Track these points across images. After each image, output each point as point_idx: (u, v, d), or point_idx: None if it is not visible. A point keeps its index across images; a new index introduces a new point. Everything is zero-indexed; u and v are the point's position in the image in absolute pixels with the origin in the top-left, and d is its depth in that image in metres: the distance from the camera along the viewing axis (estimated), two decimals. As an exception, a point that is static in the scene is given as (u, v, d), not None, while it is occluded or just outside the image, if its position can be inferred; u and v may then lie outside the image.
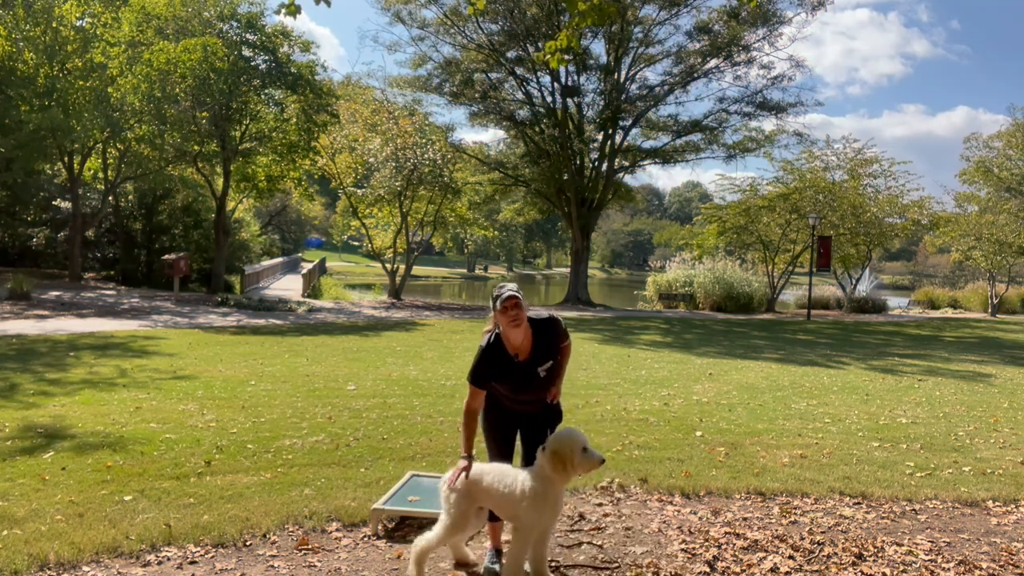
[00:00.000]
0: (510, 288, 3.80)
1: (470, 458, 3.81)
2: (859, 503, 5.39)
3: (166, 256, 22.21)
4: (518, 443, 4.11)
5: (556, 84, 28.94)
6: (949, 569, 4.23)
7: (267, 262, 37.78)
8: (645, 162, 31.59)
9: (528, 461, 3.93)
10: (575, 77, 29.37)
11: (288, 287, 30.86)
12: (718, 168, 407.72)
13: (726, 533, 4.67)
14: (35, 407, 7.44)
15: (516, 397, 3.95)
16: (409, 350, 13.29)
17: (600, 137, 30.14)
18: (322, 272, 45.93)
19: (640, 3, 28.06)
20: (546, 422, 3.97)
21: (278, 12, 5.30)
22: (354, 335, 15.35)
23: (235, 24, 23.32)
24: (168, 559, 4.08)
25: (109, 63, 21.34)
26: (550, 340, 3.91)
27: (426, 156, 25.15)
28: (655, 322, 22.60)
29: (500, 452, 4.01)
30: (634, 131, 30.96)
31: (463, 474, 3.75)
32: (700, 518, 4.98)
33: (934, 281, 50.72)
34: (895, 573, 4.15)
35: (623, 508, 5.14)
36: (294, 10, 5.25)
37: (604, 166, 30.20)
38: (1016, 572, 4.25)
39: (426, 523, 4.25)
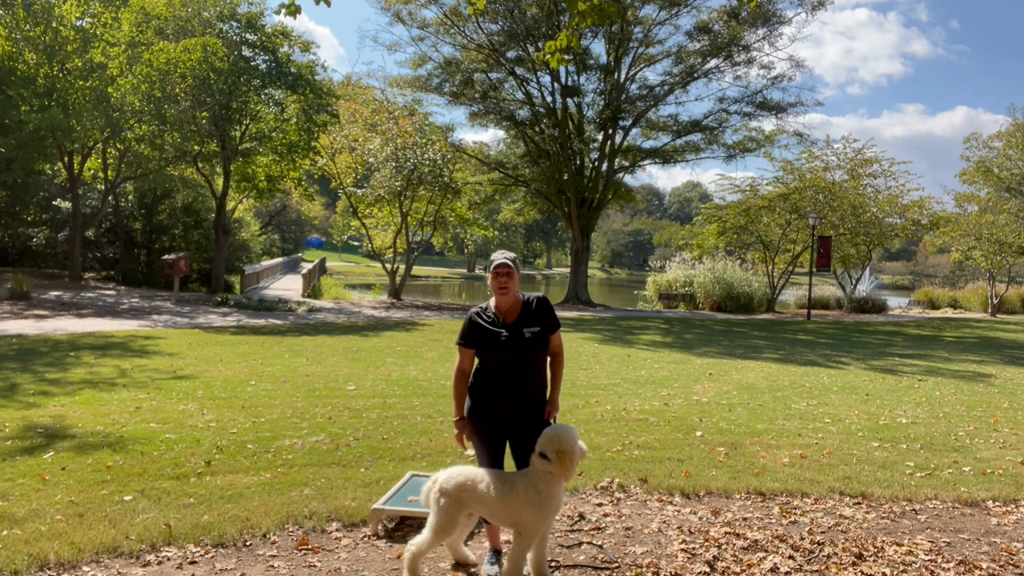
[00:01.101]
0: (505, 256, 3.90)
1: (463, 420, 3.98)
2: (859, 503, 5.39)
3: (166, 256, 22.21)
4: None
5: (556, 84, 28.94)
6: (949, 569, 4.23)
7: (267, 262, 37.77)
8: (645, 162, 31.58)
9: (522, 466, 3.91)
10: (575, 77, 29.38)
11: (288, 287, 30.85)
12: (718, 168, 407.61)
13: (726, 533, 4.67)
14: (35, 407, 7.44)
15: (499, 363, 3.90)
16: (409, 350, 13.29)
17: (600, 137, 30.15)
18: (322, 272, 45.92)
19: (640, 3, 28.06)
20: (537, 428, 3.87)
21: (278, 12, 5.30)
22: (354, 335, 15.34)
23: (235, 24, 23.35)
24: (168, 559, 4.08)
25: (109, 63, 21.35)
26: (539, 315, 3.95)
27: (426, 156, 25.15)
28: (655, 322, 22.60)
29: (491, 460, 3.96)
30: (634, 131, 31.00)
31: (464, 435, 3.97)
32: (700, 518, 4.98)
33: (934, 281, 50.71)
34: (895, 573, 4.15)
35: (623, 508, 5.14)
36: (294, 10, 5.25)
37: (604, 166, 30.20)
38: (1016, 572, 4.25)
39: (426, 523, 4.24)
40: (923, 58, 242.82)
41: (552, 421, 4.01)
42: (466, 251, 76.87)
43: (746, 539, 4.58)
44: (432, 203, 27.05)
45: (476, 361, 3.99)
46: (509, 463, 4.02)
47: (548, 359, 4.06)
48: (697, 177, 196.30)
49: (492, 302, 3.98)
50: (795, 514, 5.10)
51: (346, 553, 4.27)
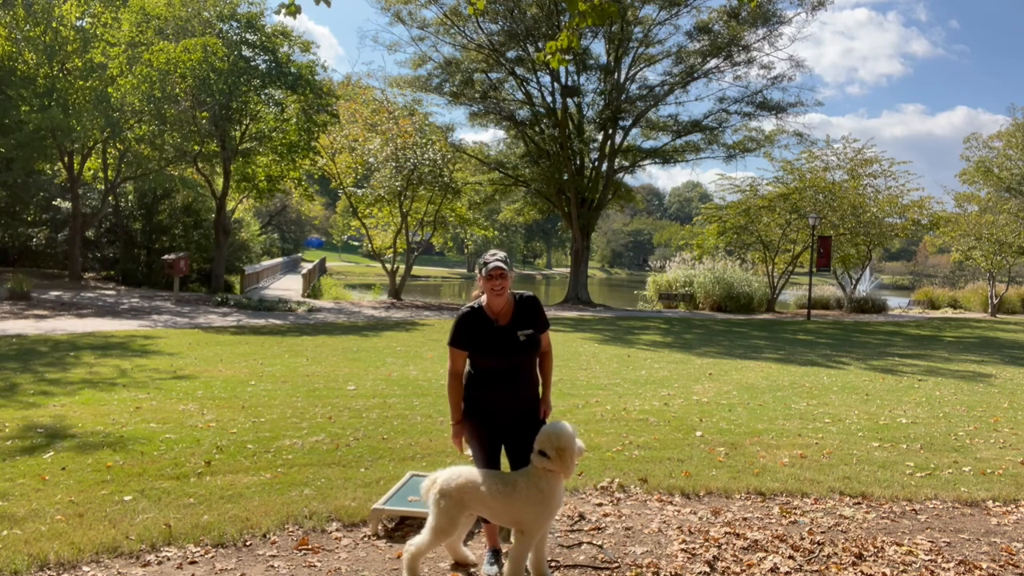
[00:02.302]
0: (498, 257, 3.86)
1: (461, 423, 3.95)
2: (859, 503, 5.39)
3: (166, 256, 22.20)
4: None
5: (556, 84, 28.94)
6: (949, 569, 4.23)
7: (267, 262, 37.77)
8: (645, 162, 31.59)
9: (518, 466, 3.90)
10: (575, 77, 29.38)
11: (288, 287, 30.85)
12: (718, 168, 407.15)
13: (726, 533, 4.67)
14: (35, 407, 7.44)
15: (495, 366, 3.88)
16: (409, 350, 13.29)
17: (600, 137, 30.16)
18: (322, 272, 45.91)
19: (640, 3, 28.07)
20: (532, 429, 3.87)
21: (278, 12, 5.30)
22: (354, 335, 15.34)
23: (235, 24, 23.35)
24: (168, 559, 4.08)
25: (109, 63, 21.36)
26: (530, 315, 3.95)
27: (426, 156, 25.14)
28: (655, 322, 22.59)
29: (488, 461, 3.95)
30: (634, 131, 31.01)
31: (463, 441, 3.96)
32: (700, 518, 4.98)
33: (934, 281, 50.69)
34: (895, 573, 4.15)
35: (623, 508, 5.14)
36: (294, 10, 5.25)
37: (604, 166, 30.20)
38: (1016, 572, 4.25)
39: (425, 523, 4.24)
40: (923, 58, 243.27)
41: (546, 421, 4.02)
42: (466, 251, 76.90)
43: (746, 539, 4.57)
44: (432, 203, 27.05)
45: (468, 363, 3.97)
46: (504, 464, 4.02)
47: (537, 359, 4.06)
48: (697, 177, 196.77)
49: (483, 300, 3.93)
50: (795, 514, 5.10)
51: (346, 553, 4.27)
